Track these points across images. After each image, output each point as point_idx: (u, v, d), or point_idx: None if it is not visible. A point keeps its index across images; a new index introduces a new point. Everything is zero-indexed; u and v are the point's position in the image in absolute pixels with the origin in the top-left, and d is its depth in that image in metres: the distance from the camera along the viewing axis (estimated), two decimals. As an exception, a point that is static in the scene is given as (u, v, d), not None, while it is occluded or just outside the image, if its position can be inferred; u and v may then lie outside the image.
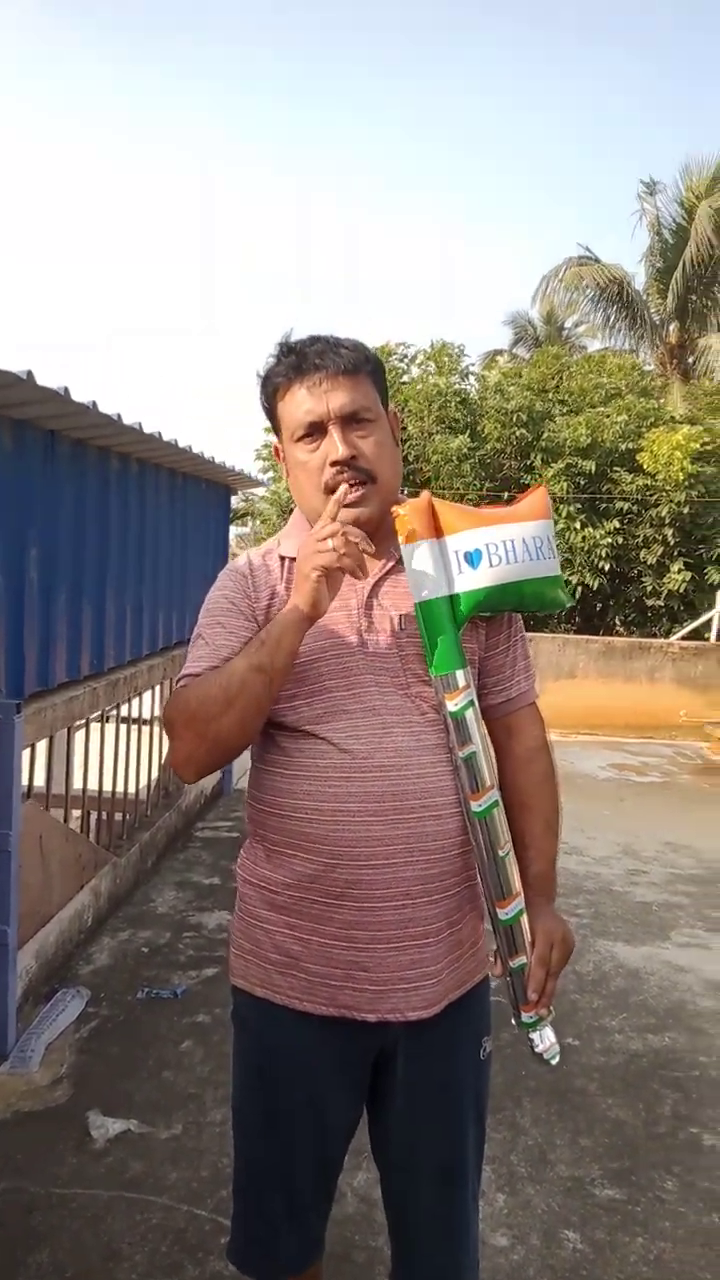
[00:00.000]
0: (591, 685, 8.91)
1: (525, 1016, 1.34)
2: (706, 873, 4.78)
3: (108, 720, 4.08)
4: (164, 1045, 2.86)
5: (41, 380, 2.62)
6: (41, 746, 3.49)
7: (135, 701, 4.31)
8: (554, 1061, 1.35)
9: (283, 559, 1.37)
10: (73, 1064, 2.75)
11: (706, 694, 8.87)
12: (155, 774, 4.93)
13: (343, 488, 1.27)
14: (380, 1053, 1.35)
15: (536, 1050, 1.34)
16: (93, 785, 4.36)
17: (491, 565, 1.30)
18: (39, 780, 3.89)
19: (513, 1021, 1.36)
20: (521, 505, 1.37)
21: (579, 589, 9.93)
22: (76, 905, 3.45)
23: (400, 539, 1.30)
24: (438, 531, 1.31)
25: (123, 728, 4.33)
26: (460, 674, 1.29)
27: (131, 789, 4.46)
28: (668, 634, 10.16)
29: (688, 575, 9.89)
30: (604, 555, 9.76)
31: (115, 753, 4.25)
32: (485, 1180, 2.28)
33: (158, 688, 4.63)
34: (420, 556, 1.29)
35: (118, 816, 4.33)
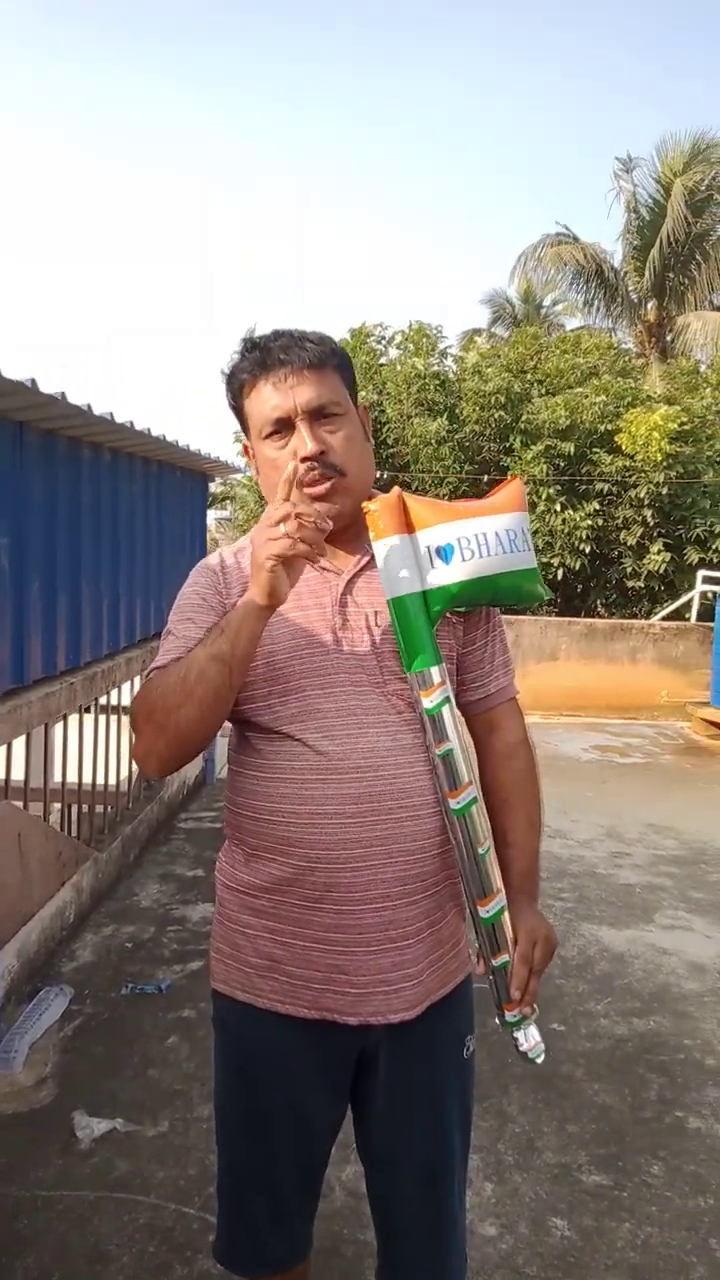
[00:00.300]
0: (573, 667, 8.94)
1: (509, 1015, 1.33)
2: (688, 853, 4.80)
3: (87, 710, 4.04)
4: (149, 1042, 2.84)
5: (9, 374, 2.56)
6: (19, 739, 3.44)
7: (115, 691, 4.27)
8: (539, 1060, 1.34)
9: None
10: (57, 1063, 2.73)
11: (688, 674, 8.91)
12: (136, 765, 4.89)
13: (292, 465, 1.20)
14: (362, 1053, 1.34)
15: (521, 1049, 1.33)
16: (72, 777, 4.34)
17: (464, 560, 1.27)
18: (17, 774, 3.86)
19: (496, 1020, 1.35)
20: (495, 498, 1.35)
21: (560, 571, 9.95)
22: (58, 902, 3.42)
23: (370, 535, 1.28)
24: (409, 527, 1.28)
25: (102, 718, 4.29)
26: (435, 670, 1.27)
27: (112, 780, 4.43)
28: (648, 615, 10.20)
29: (667, 556, 9.92)
30: (584, 537, 9.76)
31: (95, 743, 4.22)
32: (473, 1169, 2.28)
33: (137, 679, 4.60)
34: (391, 552, 1.27)
35: (99, 809, 4.30)
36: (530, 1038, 1.33)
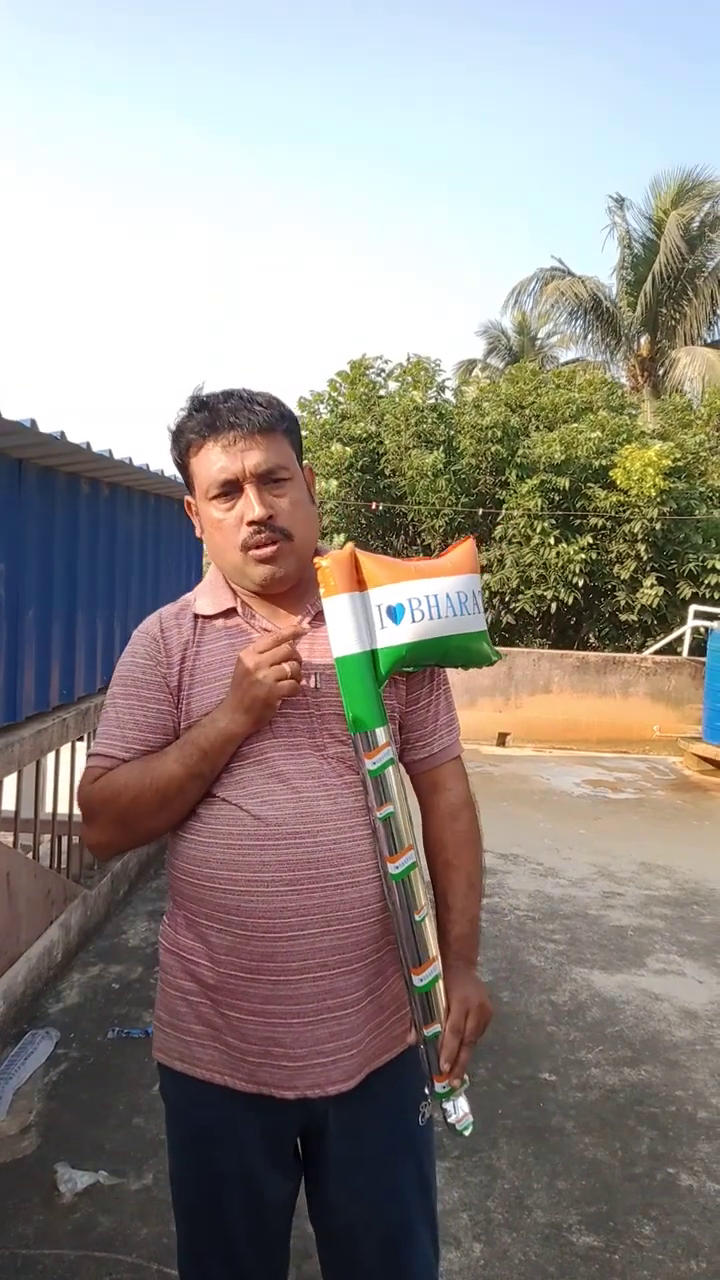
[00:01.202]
0: (566, 700, 8.94)
1: (438, 1087, 1.29)
2: (681, 894, 4.78)
3: (79, 739, 4.02)
4: (134, 1089, 2.80)
5: (8, 414, 2.57)
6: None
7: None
8: (466, 1133, 1.30)
9: (196, 617, 1.35)
10: (41, 1111, 2.69)
11: (680, 708, 8.92)
12: (86, 847, 4.85)
13: (291, 629, 1.26)
14: (307, 1126, 1.32)
15: (449, 1121, 1.29)
16: (64, 807, 4.31)
17: (414, 620, 1.27)
18: (7, 804, 3.83)
19: (425, 1090, 1.31)
20: (448, 558, 1.34)
21: (553, 604, 9.98)
22: (46, 942, 3.38)
23: (321, 591, 1.28)
24: (360, 584, 1.28)
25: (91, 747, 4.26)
26: (380, 731, 1.25)
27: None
28: (641, 648, 10.22)
29: (660, 590, 9.96)
30: (577, 570, 9.80)
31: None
32: (461, 1228, 2.25)
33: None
34: (340, 610, 1.26)
35: (89, 844, 4.26)
36: (459, 1109, 1.29)
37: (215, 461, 1.27)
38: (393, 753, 1.27)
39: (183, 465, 1.34)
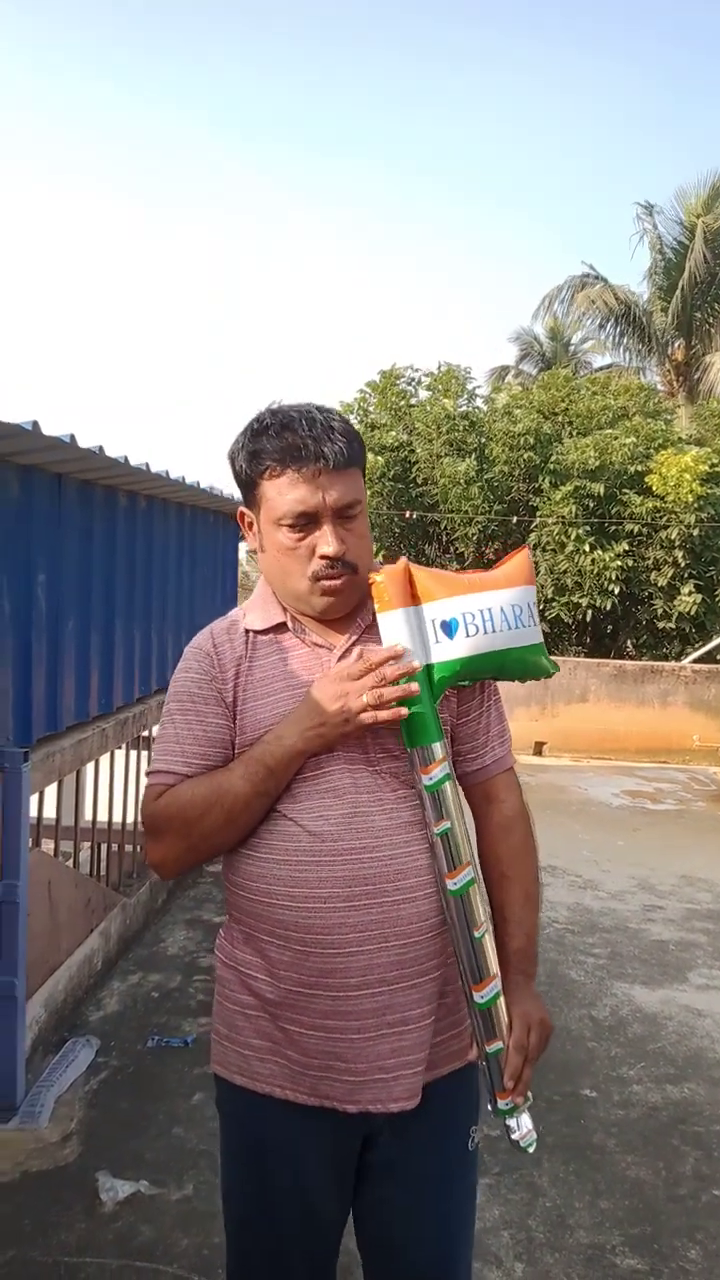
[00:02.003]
0: (603, 709, 8.86)
1: (501, 1104, 1.29)
2: (723, 908, 4.71)
3: (119, 748, 4.05)
4: (174, 1099, 2.81)
5: (48, 430, 2.61)
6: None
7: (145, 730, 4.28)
8: (530, 1150, 1.30)
9: (248, 632, 1.35)
10: (82, 1119, 2.71)
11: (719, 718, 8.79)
12: (151, 868, 4.89)
13: (384, 654, 1.26)
14: (364, 1140, 1.31)
15: (513, 1138, 1.29)
16: (103, 813, 4.34)
17: (469, 635, 1.27)
18: (49, 811, 3.87)
19: (488, 1107, 1.31)
20: (502, 571, 1.34)
21: (589, 611, 9.89)
22: (86, 950, 3.41)
23: (376, 607, 1.28)
24: (414, 599, 1.28)
25: (133, 753, 4.30)
26: (437, 746, 1.25)
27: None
28: (679, 656, 10.10)
29: (698, 598, 9.84)
30: (613, 578, 9.71)
31: (125, 779, 4.23)
32: (503, 1246, 2.23)
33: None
34: (395, 625, 1.26)
35: (128, 849, 4.30)
36: (522, 1126, 1.29)
37: (294, 492, 1.25)
38: (449, 767, 1.26)
39: (251, 482, 1.30)
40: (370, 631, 1.32)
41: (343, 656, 1.31)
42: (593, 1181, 2.50)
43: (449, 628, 1.26)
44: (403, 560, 1.31)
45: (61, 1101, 2.78)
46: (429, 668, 1.26)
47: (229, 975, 1.35)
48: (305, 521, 1.27)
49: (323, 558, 1.26)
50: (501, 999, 1.29)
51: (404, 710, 1.22)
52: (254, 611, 1.36)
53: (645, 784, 7.58)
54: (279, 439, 1.26)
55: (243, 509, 1.36)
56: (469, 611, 1.27)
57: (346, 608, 1.32)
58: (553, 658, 1.40)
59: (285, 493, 1.26)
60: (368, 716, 1.21)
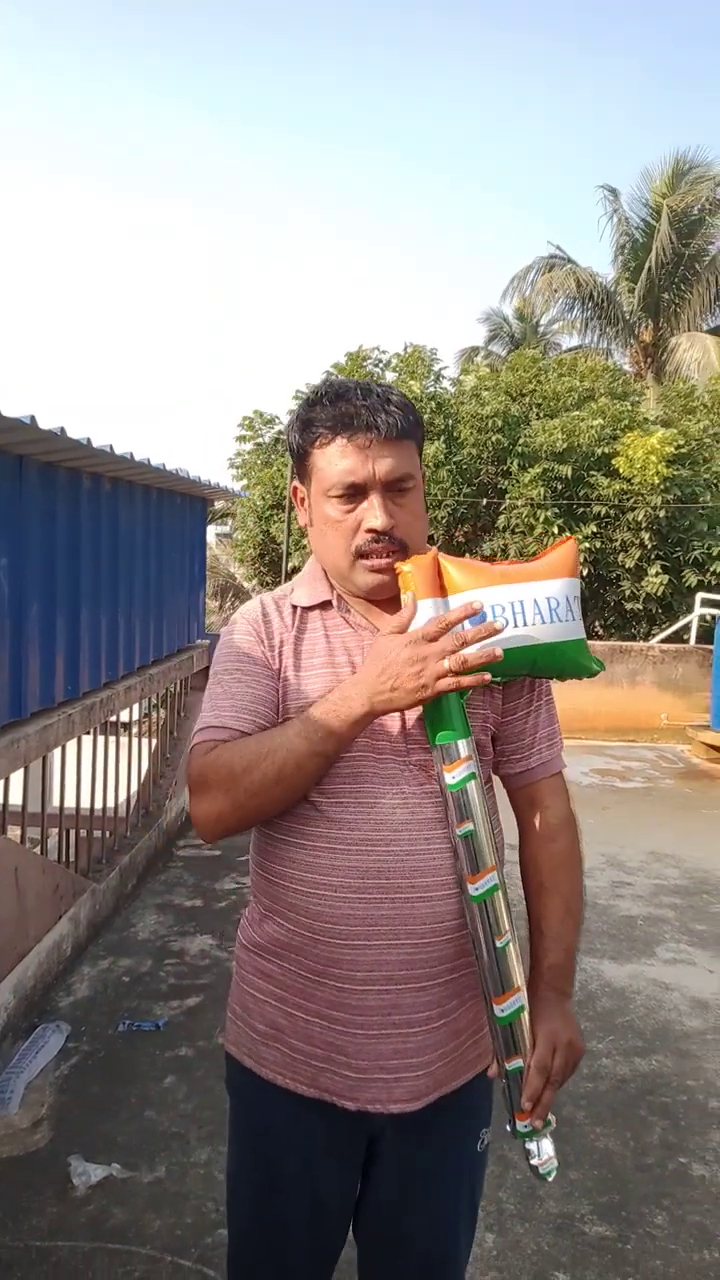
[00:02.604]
0: (573, 689, 8.77)
1: (520, 1126, 1.21)
2: (690, 883, 4.78)
3: (87, 734, 4.02)
4: (146, 1082, 2.80)
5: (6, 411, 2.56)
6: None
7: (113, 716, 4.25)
8: (549, 1178, 1.22)
9: (295, 608, 1.31)
10: (53, 1104, 2.70)
11: (687, 697, 8.90)
12: (135, 788, 4.88)
13: (456, 617, 1.15)
14: (369, 1136, 1.29)
15: (531, 1163, 1.22)
16: (70, 800, 4.31)
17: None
18: (14, 797, 3.83)
19: (506, 1128, 1.24)
20: (543, 562, 1.26)
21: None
22: (55, 936, 3.39)
23: (402, 596, 1.22)
24: (442, 590, 1.21)
25: (101, 739, 4.27)
26: (462, 744, 1.18)
27: (110, 804, 4.40)
28: (647, 636, 10.20)
29: (665, 578, 9.94)
30: (582, 559, 9.76)
31: (93, 765, 4.19)
32: (474, 1219, 2.25)
33: (136, 706, 4.57)
34: (421, 617, 1.19)
35: (96, 835, 4.27)
36: (543, 1151, 1.21)
37: (343, 461, 1.21)
38: (474, 767, 1.19)
39: (303, 454, 1.27)
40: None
41: None
42: (562, 1153, 2.51)
43: (477, 621, 1.18)
44: (432, 550, 1.26)
45: (32, 1087, 2.76)
46: None
47: (245, 956, 1.33)
48: (354, 493, 1.22)
49: (369, 531, 1.22)
50: (525, 1014, 1.21)
51: (487, 675, 1.13)
52: (301, 587, 1.33)
53: (614, 763, 7.66)
54: (333, 407, 1.23)
55: (295, 484, 1.33)
56: (499, 604, 1.20)
57: (394, 589, 1.25)
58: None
59: (335, 462, 1.22)
60: (448, 683, 1.11)
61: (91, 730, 3.97)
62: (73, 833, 4.54)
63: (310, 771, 1.19)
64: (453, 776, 1.18)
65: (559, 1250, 2.17)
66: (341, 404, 1.22)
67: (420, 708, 1.19)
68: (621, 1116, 2.71)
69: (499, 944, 1.19)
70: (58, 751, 3.98)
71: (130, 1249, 2.14)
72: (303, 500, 1.31)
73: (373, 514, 1.21)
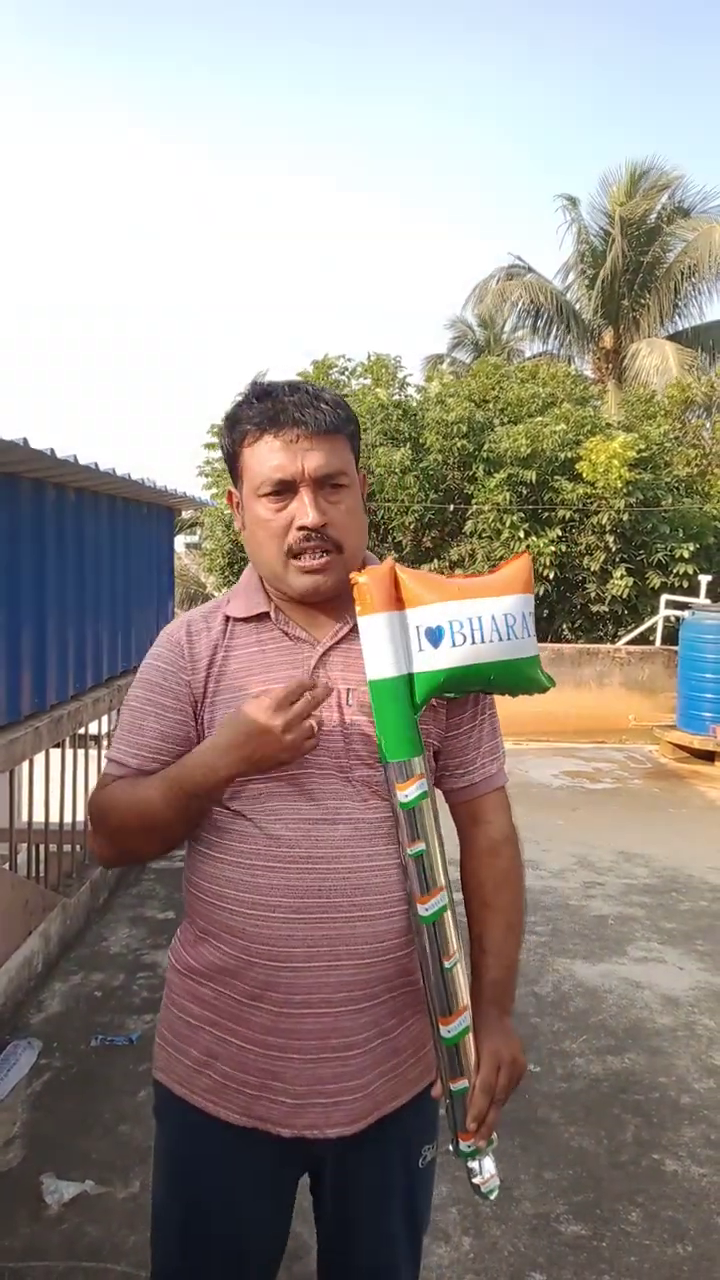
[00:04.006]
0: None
1: (463, 1145, 1.20)
2: (659, 882, 4.83)
3: (56, 746, 3.98)
4: (120, 1096, 2.78)
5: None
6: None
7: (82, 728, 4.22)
8: (492, 1196, 1.22)
9: (227, 619, 1.27)
10: (25, 1122, 2.66)
11: (653, 697, 9.01)
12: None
13: (321, 687, 1.16)
14: (308, 1162, 1.28)
15: (474, 1181, 1.21)
16: (40, 814, 4.26)
17: (454, 645, 1.17)
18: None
19: (449, 1147, 1.24)
20: (498, 576, 1.24)
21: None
22: (25, 952, 3.35)
23: (357, 609, 1.19)
24: (399, 603, 1.18)
25: (69, 752, 4.23)
26: (416, 761, 1.17)
27: (80, 818, 4.36)
28: (613, 639, 10.31)
29: (630, 581, 10.05)
30: (548, 563, 9.87)
31: (62, 779, 4.15)
32: (451, 1222, 2.27)
33: (105, 718, 4.54)
34: (376, 631, 1.17)
35: (66, 849, 4.23)
36: (485, 1170, 1.20)
37: (272, 458, 1.18)
38: (428, 785, 1.18)
39: (233, 455, 1.24)
40: (358, 629, 1.23)
41: (326, 654, 1.23)
42: (537, 1154, 2.54)
43: (434, 636, 1.17)
44: (389, 560, 1.22)
45: (3, 1106, 2.73)
46: (410, 678, 1.17)
47: (176, 980, 1.29)
48: (283, 490, 1.19)
49: (300, 529, 1.18)
50: (470, 1034, 1.20)
51: (323, 716, 1.17)
52: (238, 598, 1.29)
53: (584, 764, 7.73)
54: (260, 405, 1.20)
55: (230, 489, 1.30)
56: (457, 619, 1.17)
57: (331, 591, 1.22)
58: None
59: (264, 459, 1.19)
60: (311, 744, 1.14)
61: (60, 743, 3.94)
62: (42, 847, 4.49)
63: (179, 828, 1.21)
64: (405, 794, 1.16)
65: (535, 1251, 2.18)
66: (268, 401, 1.20)
67: (368, 722, 1.19)
68: (595, 1115, 2.73)
69: (446, 964, 1.18)
70: (26, 765, 3.94)
71: (105, 1266, 2.12)
72: (237, 504, 1.28)
73: (303, 511, 1.18)
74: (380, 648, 1.17)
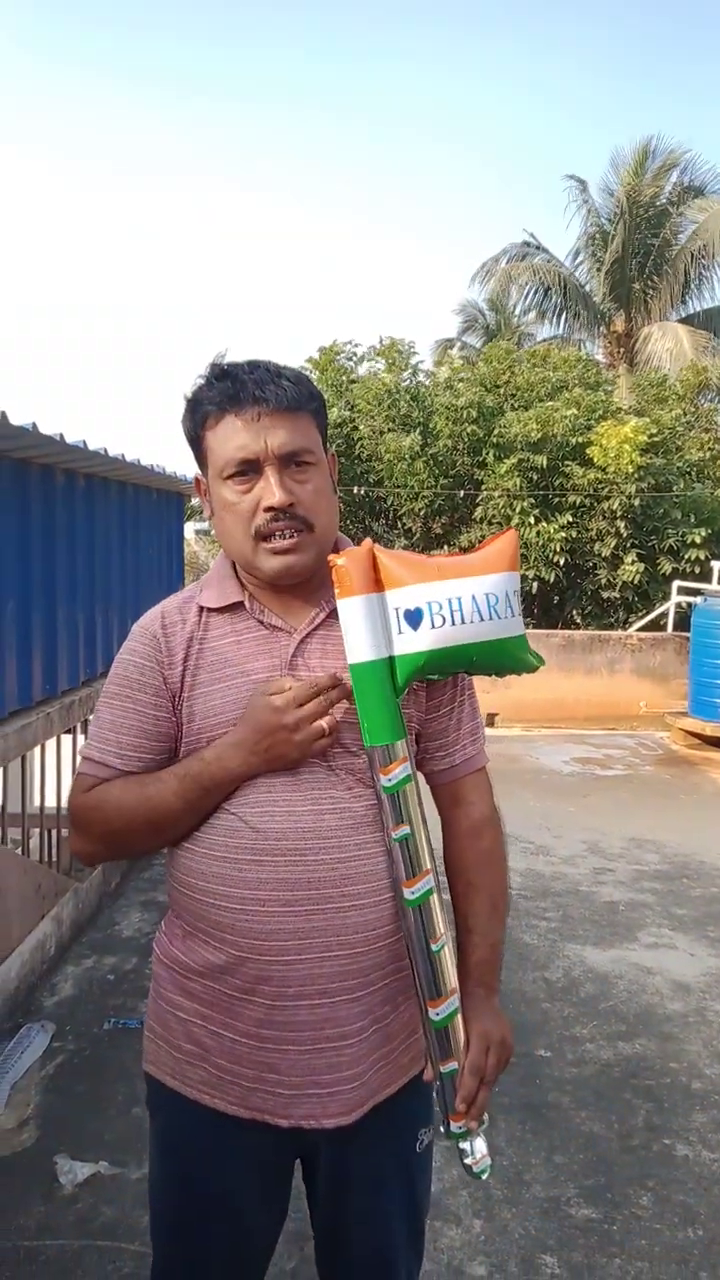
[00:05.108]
0: (553, 679, 8.96)
1: (454, 1127, 1.20)
2: (671, 868, 4.82)
3: (66, 731, 4.00)
4: (132, 1079, 2.79)
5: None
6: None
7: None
8: (484, 1176, 1.22)
9: (201, 609, 1.25)
10: (39, 1104, 2.69)
11: (665, 684, 8.97)
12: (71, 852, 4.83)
13: (328, 679, 1.17)
14: (303, 1151, 1.28)
15: (465, 1162, 1.21)
16: (51, 799, 4.28)
17: (434, 627, 1.15)
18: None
19: (440, 1129, 1.23)
20: (480, 554, 1.22)
21: (534, 583, 9.99)
22: (38, 935, 3.37)
23: (336, 592, 1.17)
24: (378, 585, 1.16)
25: (81, 737, 4.24)
26: (399, 745, 1.16)
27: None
28: (624, 625, 10.26)
29: (641, 567, 9.99)
30: (558, 549, 9.81)
31: (74, 763, 4.16)
32: (461, 1205, 2.28)
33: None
34: (355, 614, 1.15)
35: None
36: (476, 1150, 1.20)
37: (234, 438, 1.15)
38: (409, 769, 1.17)
39: (196, 439, 1.21)
40: (335, 615, 1.22)
41: (303, 642, 1.22)
42: (548, 1138, 2.55)
43: (413, 618, 1.15)
44: (367, 542, 1.20)
45: (17, 1088, 2.75)
46: (391, 661, 1.16)
47: (164, 974, 1.28)
48: (247, 470, 1.16)
49: (267, 510, 1.16)
50: (459, 1016, 1.20)
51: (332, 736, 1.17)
52: (210, 587, 1.27)
53: (595, 751, 7.71)
54: (219, 385, 1.18)
55: (197, 475, 1.27)
56: (436, 600, 1.15)
57: (303, 573, 1.20)
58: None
59: (226, 440, 1.17)
60: (323, 744, 1.15)
61: (71, 729, 3.95)
62: (54, 832, 4.51)
63: (186, 823, 1.20)
64: (390, 778, 1.16)
65: (546, 1233, 2.19)
66: (227, 380, 1.17)
67: (349, 709, 1.19)
68: (606, 1100, 2.73)
69: (434, 947, 1.17)
70: (37, 750, 3.95)
71: (120, 1245, 2.14)
72: (205, 491, 1.25)
73: (269, 491, 1.15)
74: (360, 631, 1.16)
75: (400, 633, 1.16)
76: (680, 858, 4.99)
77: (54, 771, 4.01)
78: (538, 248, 18.83)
